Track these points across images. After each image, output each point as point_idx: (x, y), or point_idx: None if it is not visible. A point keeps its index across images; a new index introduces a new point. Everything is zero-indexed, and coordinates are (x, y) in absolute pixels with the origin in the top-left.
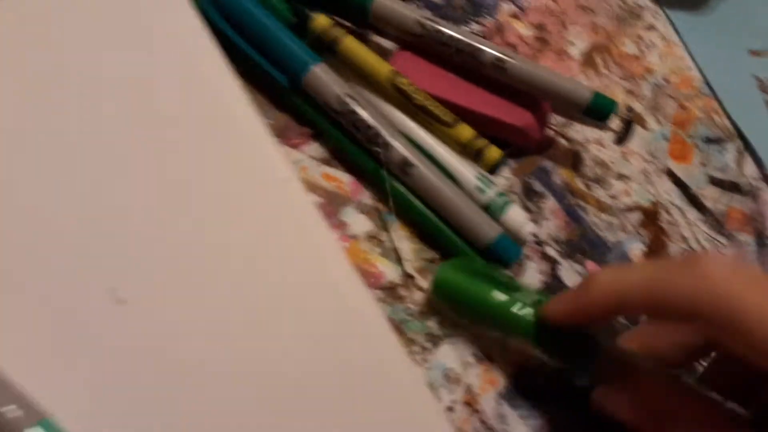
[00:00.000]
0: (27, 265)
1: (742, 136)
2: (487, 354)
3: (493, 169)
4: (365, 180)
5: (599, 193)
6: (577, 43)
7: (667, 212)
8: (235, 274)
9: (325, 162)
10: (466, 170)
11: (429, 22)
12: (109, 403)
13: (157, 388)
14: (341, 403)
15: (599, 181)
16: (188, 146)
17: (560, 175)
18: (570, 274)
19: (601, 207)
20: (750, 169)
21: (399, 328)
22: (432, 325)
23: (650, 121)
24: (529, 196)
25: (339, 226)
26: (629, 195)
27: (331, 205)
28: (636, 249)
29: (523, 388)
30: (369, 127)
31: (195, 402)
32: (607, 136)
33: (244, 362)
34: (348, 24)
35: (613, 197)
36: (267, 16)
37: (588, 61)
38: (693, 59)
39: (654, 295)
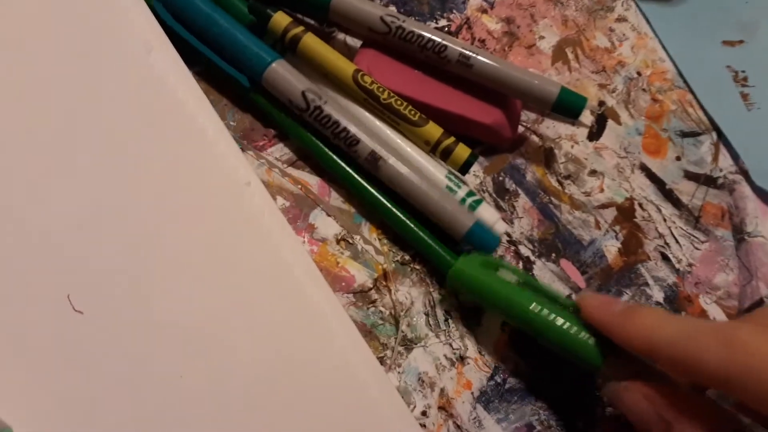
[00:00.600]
0: None
1: (717, 129)
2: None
3: (464, 168)
4: (333, 182)
5: (572, 189)
6: (548, 37)
7: (642, 208)
8: (197, 282)
9: (291, 164)
10: (435, 170)
11: (391, 18)
12: (68, 413)
13: (117, 397)
14: (308, 410)
15: (572, 177)
16: (146, 153)
17: (533, 172)
18: (544, 273)
19: (575, 204)
20: (726, 162)
21: (371, 332)
22: (405, 329)
23: (623, 116)
24: (501, 195)
25: (307, 229)
26: (603, 191)
27: (298, 207)
28: (611, 246)
29: (498, 389)
30: (335, 122)
31: (157, 409)
32: (580, 132)
33: (209, 369)
34: (310, 22)
35: (586, 194)
36: (222, 15)
37: (559, 55)
38: (666, 51)
39: (685, 358)
